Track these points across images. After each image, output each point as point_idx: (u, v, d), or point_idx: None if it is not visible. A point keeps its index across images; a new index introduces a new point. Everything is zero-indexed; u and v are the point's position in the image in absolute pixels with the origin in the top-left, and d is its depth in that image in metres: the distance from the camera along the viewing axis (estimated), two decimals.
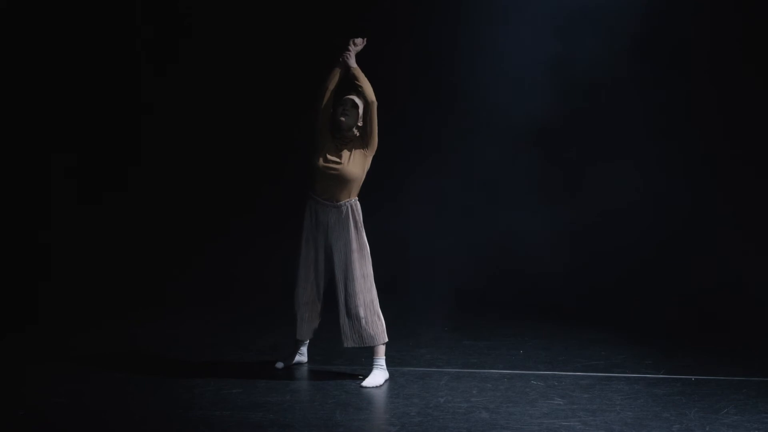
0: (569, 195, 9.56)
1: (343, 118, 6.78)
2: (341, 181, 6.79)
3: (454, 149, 9.70)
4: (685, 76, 9.31)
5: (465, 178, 9.72)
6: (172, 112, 9.91)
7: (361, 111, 6.81)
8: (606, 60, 9.33)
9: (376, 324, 6.82)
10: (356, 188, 6.86)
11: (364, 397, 6.58)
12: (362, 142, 6.82)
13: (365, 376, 6.86)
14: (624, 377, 6.99)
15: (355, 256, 6.80)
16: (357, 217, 6.84)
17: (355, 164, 6.80)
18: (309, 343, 7.23)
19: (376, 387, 6.77)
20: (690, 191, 9.27)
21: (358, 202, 6.87)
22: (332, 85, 6.82)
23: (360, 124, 6.82)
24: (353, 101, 6.81)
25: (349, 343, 6.83)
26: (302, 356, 7.24)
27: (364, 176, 6.86)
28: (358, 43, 6.80)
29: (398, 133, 9.31)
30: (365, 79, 6.75)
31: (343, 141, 6.84)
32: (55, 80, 9.80)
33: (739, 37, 9.19)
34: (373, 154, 6.84)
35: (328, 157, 6.81)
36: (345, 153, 6.82)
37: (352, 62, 6.77)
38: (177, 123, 9.93)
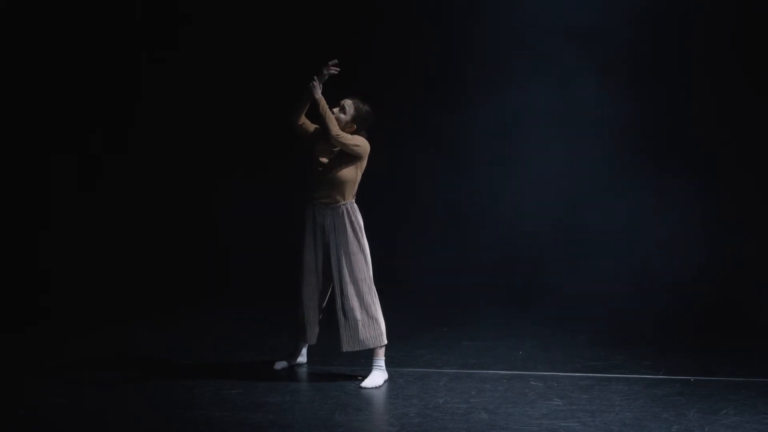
0: (567, 197, 9.56)
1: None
2: (334, 183, 6.80)
3: (445, 148, 9.72)
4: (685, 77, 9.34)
5: (461, 179, 9.74)
6: (169, 109, 9.91)
7: (348, 116, 6.81)
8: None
9: (373, 327, 6.82)
10: (351, 190, 6.86)
11: (364, 397, 6.59)
12: None
13: (364, 377, 6.86)
14: (623, 378, 6.99)
15: (352, 258, 6.81)
16: (354, 220, 6.85)
17: (347, 166, 6.81)
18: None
19: (376, 388, 6.78)
20: (689, 193, 9.26)
21: (355, 205, 6.88)
22: (304, 101, 6.80)
23: (348, 127, 6.82)
24: (342, 106, 6.85)
25: (346, 348, 6.83)
26: (302, 357, 7.25)
27: (358, 178, 6.86)
28: (326, 73, 6.73)
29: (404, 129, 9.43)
30: (327, 112, 6.70)
31: (333, 143, 6.84)
32: (54, 77, 9.82)
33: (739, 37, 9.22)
34: (366, 156, 6.84)
35: (320, 160, 6.83)
36: (337, 156, 6.82)
37: (317, 93, 6.72)
38: (174, 121, 9.93)
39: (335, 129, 6.72)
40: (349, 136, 6.77)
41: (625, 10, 9.27)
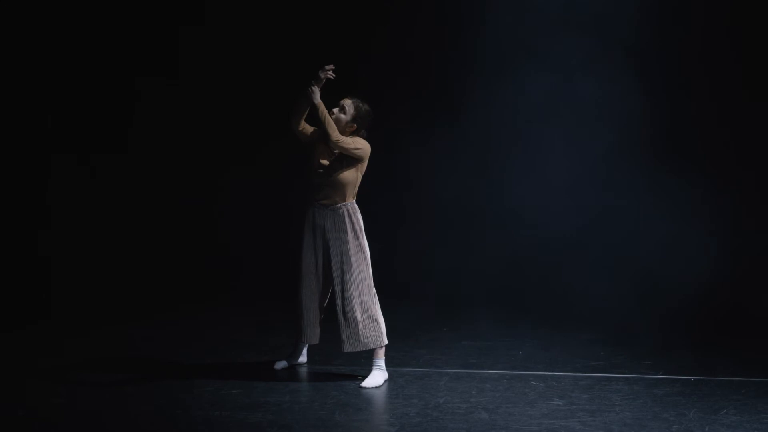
0: (565, 196, 9.56)
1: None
2: (335, 185, 6.79)
3: (444, 148, 9.72)
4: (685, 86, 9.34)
5: (460, 180, 9.74)
6: (169, 109, 9.91)
7: (349, 116, 6.80)
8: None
9: (373, 327, 6.82)
10: (351, 191, 6.86)
11: (364, 397, 6.59)
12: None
13: (364, 377, 6.86)
14: (623, 378, 6.99)
15: (352, 259, 6.80)
16: (355, 220, 6.84)
17: (348, 168, 6.80)
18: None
19: (376, 387, 6.78)
20: (688, 192, 9.26)
21: (355, 206, 6.87)
22: (303, 106, 6.78)
23: (349, 127, 6.81)
24: (342, 106, 6.83)
25: (347, 348, 6.83)
26: (302, 357, 7.24)
27: (359, 179, 6.86)
28: (322, 77, 6.70)
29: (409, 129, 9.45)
30: (326, 117, 6.69)
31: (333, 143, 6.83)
32: (54, 77, 9.81)
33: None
34: (367, 158, 6.83)
35: (321, 162, 6.82)
36: (337, 157, 6.81)
37: (316, 98, 6.71)
38: (174, 121, 9.92)
39: (335, 134, 6.71)
40: (349, 140, 6.76)
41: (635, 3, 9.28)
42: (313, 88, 6.70)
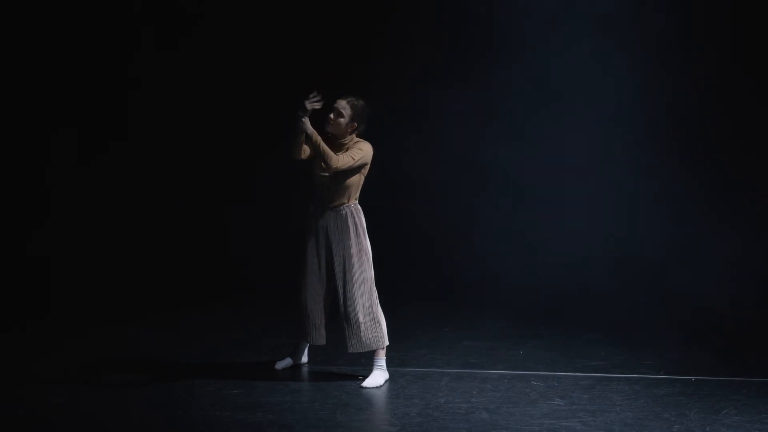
0: (565, 194, 9.56)
1: (329, 129, 6.78)
2: (338, 186, 6.78)
3: (439, 148, 9.71)
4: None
5: (458, 180, 9.74)
6: (169, 109, 9.90)
7: (347, 117, 6.78)
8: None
9: (375, 328, 6.81)
10: (354, 192, 6.85)
11: (365, 397, 6.59)
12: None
13: (365, 377, 6.86)
14: (624, 378, 6.99)
15: (354, 260, 6.80)
16: (357, 222, 6.83)
17: (351, 170, 6.78)
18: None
19: (377, 387, 6.77)
20: (690, 191, 9.26)
21: (358, 206, 6.87)
22: (298, 138, 6.74)
23: (349, 127, 6.80)
24: (338, 110, 6.79)
25: (351, 349, 6.83)
26: (304, 357, 7.24)
27: (362, 180, 6.85)
28: (309, 108, 6.63)
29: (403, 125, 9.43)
30: (321, 145, 6.67)
31: (337, 146, 6.81)
32: (53, 77, 9.82)
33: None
34: (369, 161, 6.81)
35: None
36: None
37: (308, 128, 6.69)
38: (175, 121, 9.91)
39: (333, 162, 6.66)
40: (348, 158, 6.70)
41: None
42: (303, 119, 6.67)
